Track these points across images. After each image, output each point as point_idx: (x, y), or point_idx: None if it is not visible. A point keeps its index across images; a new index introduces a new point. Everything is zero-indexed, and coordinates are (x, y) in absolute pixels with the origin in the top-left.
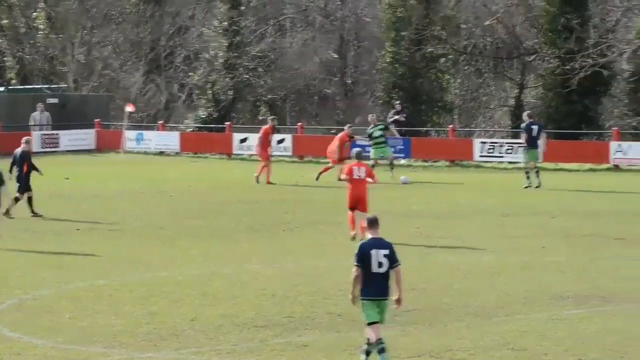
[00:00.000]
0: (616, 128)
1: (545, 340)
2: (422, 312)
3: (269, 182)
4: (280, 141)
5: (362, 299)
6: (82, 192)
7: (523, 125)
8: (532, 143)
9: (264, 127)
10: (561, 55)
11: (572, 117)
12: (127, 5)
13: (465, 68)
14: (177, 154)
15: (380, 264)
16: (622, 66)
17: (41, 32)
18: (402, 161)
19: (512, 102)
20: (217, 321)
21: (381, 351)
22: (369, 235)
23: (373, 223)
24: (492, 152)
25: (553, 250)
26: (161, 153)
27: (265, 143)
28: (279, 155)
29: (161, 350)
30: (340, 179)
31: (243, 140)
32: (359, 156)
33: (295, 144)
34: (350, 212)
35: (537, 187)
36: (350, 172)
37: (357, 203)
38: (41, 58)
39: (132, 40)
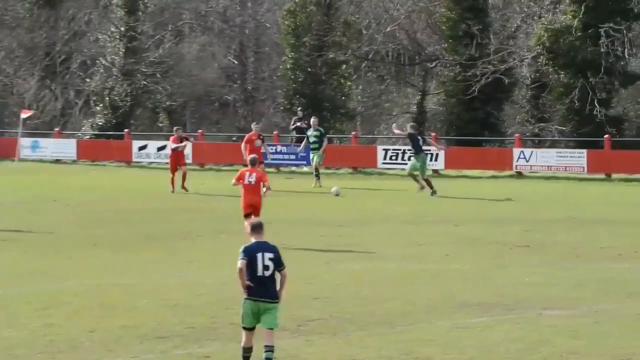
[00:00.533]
0: (518, 134)
1: (449, 349)
2: (327, 321)
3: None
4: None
5: (244, 299)
6: None
7: (408, 134)
8: (418, 150)
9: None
10: (462, 62)
11: (474, 124)
12: (21, 10)
13: (368, 75)
14: (74, 161)
15: (266, 267)
16: (523, 72)
17: None
18: (305, 168)
19: (414, 108)
20: (116, 332)
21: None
22: (252, 240)
23: (256, 227)
24: (394, 160)
25: (457, 257)
26: (57, 161)
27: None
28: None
29: None
30: (232, 184)
31: (142, 148)
32: (253, 163)
33: (196, 151)
34: (246, 221)
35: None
36: (241, 178)
37: (252, 208)
38: None
39: (27, 46)
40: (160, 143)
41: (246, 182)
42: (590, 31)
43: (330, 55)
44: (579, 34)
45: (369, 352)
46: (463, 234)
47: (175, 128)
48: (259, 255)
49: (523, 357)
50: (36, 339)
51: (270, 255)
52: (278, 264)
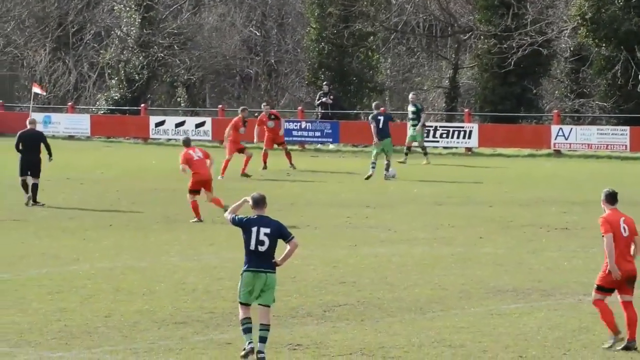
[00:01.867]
0: (557, 111)
1: (483, 336)
2: (354, 307)
3: (244, 174)
4: (200, 125)
5: (242, 270)
6: None
7: (370, 116)
8: (381, 134)
9: (235, 118)
10: (497, 34)
11: (510, 100)
12: None
13: (397, 47)
14: (87, 138)
15: (261, 242)
16: (562, 45)
17: None
18: (331, 146)
19: (446, 83)
20: (132, 318)
21: (262, 340)
22: (255, 213)
23: (259, 202)
24: (426, 137)
25: (490, 241)
26: (71, 137)
27: (235, 136)
28: (198, 140)
29: (72, 349)
30: (182, 170)
31: (160, 124)
32: (187, 143)
33: (216, 127)
34: (194, 199)
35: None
36: (189, 158)
37: (203, 184)
38: None
39: (37, 15)
40: (179, 119)
41: (195, 158)
42: (634, 0)
43: (357, 27)
44: (621, 3)
45: (398, 340)
46: (496, 216)
47: (241, 108)
48: (254, 229)
49: (562, 345)
50: (49, 324)
51: (267, 230)
52: (284, 235)
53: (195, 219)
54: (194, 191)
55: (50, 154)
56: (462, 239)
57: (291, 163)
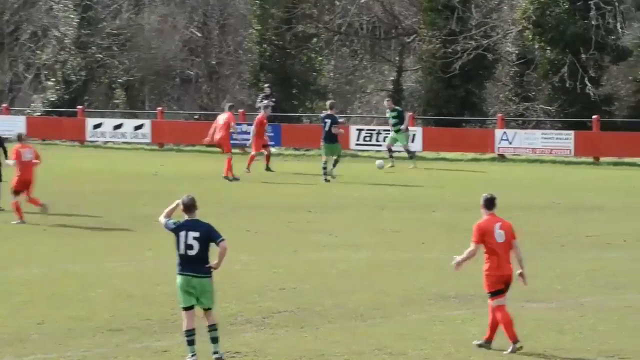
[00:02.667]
0: (501, 114)
1: (425, 343)
2: (293, 313)
3: (268, 169)
4: (139, 127)
5: (176, 275)
6: None
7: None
8: (326, 137)
9: (258, 116)
10: (442, 37)
11: (454, 103)
12: None
13: (340, 49)
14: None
15: (189, 246)
16: (507, 48)
17: None
18: (272, 150)
19: (390, 86)
20: (67, 324)
21: (214, 340)
22: (185, 217)
23: (188, 206)
24: (368, 140)
25: (433, 246)
26: (5, 139)
27: (260, 132)
28: (137, 143)
29: (3, 357)
30: (9, 165)
31: (97, 126)
32: (20, 138)
33: (155, 130)
34: (16, 199)
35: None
36: (18, 156)
37: (26, 185)
38: None
39: None
40: (117, 121)
41: (24, 158)
42: (579, 3)
43: (300, 28)
44: (566, 6)
45: (339, 347)
46: (440, 221)
47: (263, 105)
48: (183, 233)
49: (504, 352)
50: None
51: (195, 234)
52: (213, 237)
53: (18, 221)
54: (18, 192)
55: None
56: (405, 244)
57: (268, 166)
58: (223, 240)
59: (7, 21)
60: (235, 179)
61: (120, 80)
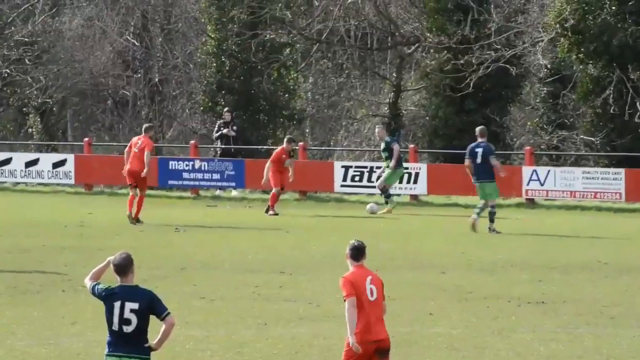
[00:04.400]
0: (529, 147)
1: None
2: None
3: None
4: (59, 164)
5: (105, 356)
6: None
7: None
8: (481, 173)
9: (277, 149)
10: (452, 46)
11: (468, 132)
12: None
13: (321, 62)
14: None
15: (126, 321)
16: (536, 61)
17: None
18: (233, 192)
19: (385, 110)
20: None
21: None
22: (119, 281)
23: (124, 267)
24: (358, 181)
25: (443, 318)
26: None
27: (279, 168)
28: (57, 184)
29: None
30: None
31: (5, 162)
32: None
33: (79, 167)
34: None
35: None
36: None
37: None
38: None
39: None
40: (31, 156)
41: None
42: (630, 3)
43: (270, 36)
44: (614, 8)
45: None
46: (451, 285)
47: (287, 138)
48: (117, 304)
49: None
50: None
51: (134, 305)
52: (157, 311)
53: None
54: None
55: None
56: (406, 315)
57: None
58: (169, 314)
59: None
60: (139, 222)
61: (34, 103)
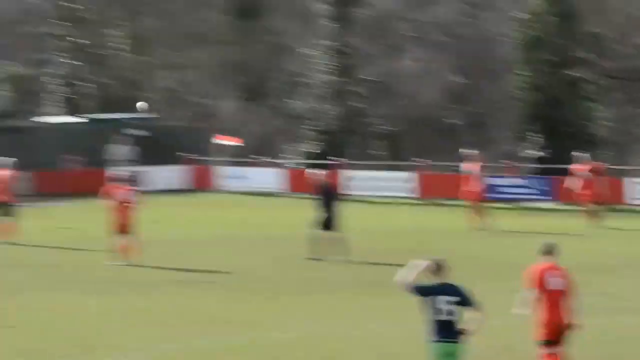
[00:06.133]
0: None
1: None
2: None
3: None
4: (403, 180)
5: (434, 343)
6: (176, 237)
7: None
8: None
9: (475, 163)
10: None
11: None
12: (215, 22)
13: (612, 95)
14: (281, 194)
15: (449, 312)
16: None
17: (124, 53)
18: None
19: None
20: None
21: None
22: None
23: (441, 268)
24: None
25: None
26: (262, 194)
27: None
28: (400, 197)
29: None
30: None
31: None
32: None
33: (423, 183)
34: None
35: None
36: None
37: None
38: (123, 83)
39: (223, 62)
40: (371, 174)
41: None
42: None
43: (574, 74)
44: None
45: None
46: None
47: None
48: (441, 298)
49: None
50: None
51: (454, 298)
52: (470, 303)
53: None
54: None
55: None
56: None
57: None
58: (479, 306)
59: (261, 69)
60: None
61: (379, 131)
